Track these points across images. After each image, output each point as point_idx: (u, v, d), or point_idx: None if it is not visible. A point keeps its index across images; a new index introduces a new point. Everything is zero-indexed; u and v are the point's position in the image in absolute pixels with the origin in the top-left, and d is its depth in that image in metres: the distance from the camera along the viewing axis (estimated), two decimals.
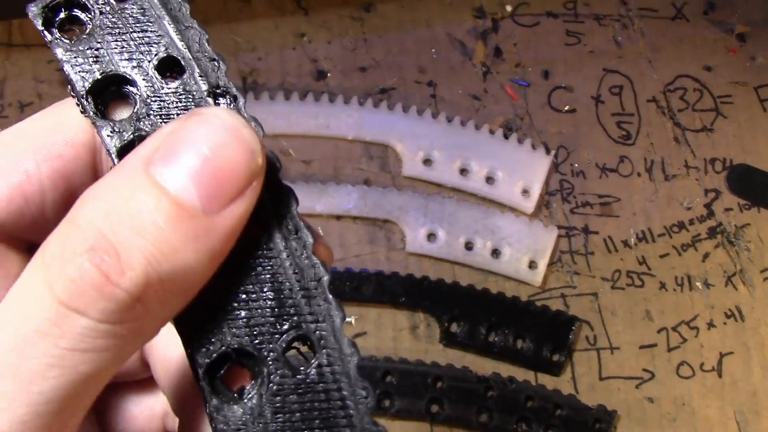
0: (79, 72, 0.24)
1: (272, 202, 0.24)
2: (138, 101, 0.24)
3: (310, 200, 0.61)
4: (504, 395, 0.58)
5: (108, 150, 0.24)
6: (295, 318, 0.23)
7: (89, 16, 0.24)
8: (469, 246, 0.61)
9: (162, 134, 0.22)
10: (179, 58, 0.24)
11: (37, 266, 0.21)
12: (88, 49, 0.24)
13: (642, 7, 0.66)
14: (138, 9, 0.24)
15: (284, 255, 0.23)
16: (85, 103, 0.24)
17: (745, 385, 0.60)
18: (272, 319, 0.23)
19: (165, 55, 0.24)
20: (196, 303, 0.23)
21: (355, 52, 0.65)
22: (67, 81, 0.24)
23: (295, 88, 0.63)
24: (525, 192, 0.62)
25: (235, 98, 0.24)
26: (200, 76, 0.24)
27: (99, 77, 0.24)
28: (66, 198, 0.25)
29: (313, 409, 0.23)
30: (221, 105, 0.24)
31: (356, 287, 0.60)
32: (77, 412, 0.21)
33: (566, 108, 0.64)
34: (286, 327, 0.23)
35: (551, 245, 0.61)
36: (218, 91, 0.24)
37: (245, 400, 0.23)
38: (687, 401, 0.60)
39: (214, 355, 0.23)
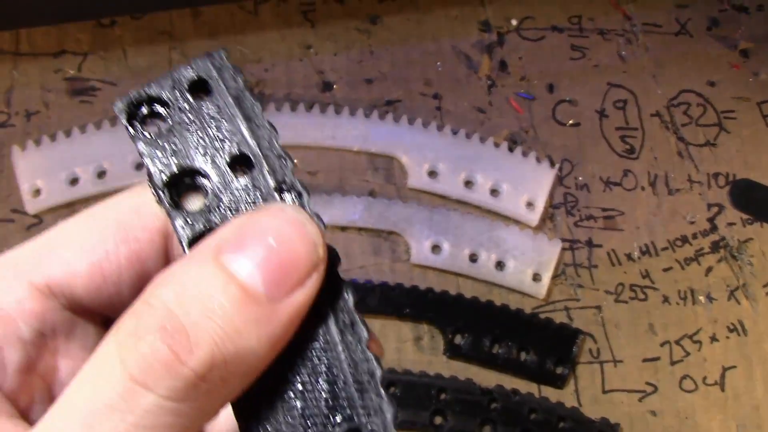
0: (158, 165, 0.26)
1: (331, 295, 0.24)
2: (210, 194, 0.25)
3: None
4: (507, 407, 0.58)
5: (180, 239, 0.25)
6: (348, 411, 0.24)
7: (169, 112, 0.26)
8: (473, 258, 0.61)
9: (232, 226, 0.23)
10: (250, 155, 0.26)
11: (111, 342, 0.22)
12: (167, 143, 0.26)
13: (646, 22, 0.67)
14: (214, 107, 0.26)
15: (340, 347, 0.24)
16: (161, 194, 0.25)
17: (747, 399, 0.60)
18: (326, 410, 0.24)
19: (237, 152, 0.26)
20: (255, 389, 0.23)
21: (362, 64, 0.65)
22: (146, 173, 0.26)
23: (301, 100, 0.64)
24: (529, 205, 0.62)
25: (299, 194, 0.25)
26: (269, 172, 0.25)
27: (176, 171, 0.26)
28: (139, 279, 0.27)
29: None
30: (287, 200, 0.25)
31: (361, 298, 0.60)
32: None
33: (570, 122, 0.65)
34: (338, 419, 0.24)
35: (555, 258, 0.62)
36: (284, 186, 0.25)
37: None
38: (690, 415, 0.60)
39: None
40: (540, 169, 0.63)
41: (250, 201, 0.25)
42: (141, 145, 0.26)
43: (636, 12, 0.67)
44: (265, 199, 0.25)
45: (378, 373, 0.24)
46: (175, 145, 0.26)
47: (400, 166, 0.63)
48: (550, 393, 0.60)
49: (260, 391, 0.23)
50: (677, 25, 0.67)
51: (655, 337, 0.61)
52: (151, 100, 0.27)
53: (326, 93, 0.64)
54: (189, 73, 0.27)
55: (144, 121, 0.26)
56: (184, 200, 0.26)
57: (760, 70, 0.66)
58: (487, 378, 0.60)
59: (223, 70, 0.27)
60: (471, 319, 0.60)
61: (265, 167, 0.25)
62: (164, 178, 0.26)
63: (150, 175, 0.26)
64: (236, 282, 0.22)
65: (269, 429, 0.23)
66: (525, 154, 0.63)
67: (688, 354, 0.61)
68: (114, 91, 0.64)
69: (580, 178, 0.64)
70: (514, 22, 0.66)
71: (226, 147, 0.26)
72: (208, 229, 0.25)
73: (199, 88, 0.27)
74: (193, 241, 0.25)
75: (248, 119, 0.26)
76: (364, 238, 0.62)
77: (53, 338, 0.27)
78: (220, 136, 0.26)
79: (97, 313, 0.28)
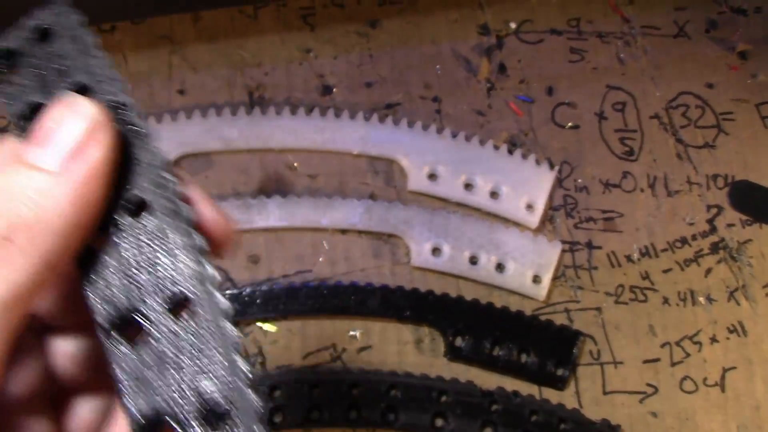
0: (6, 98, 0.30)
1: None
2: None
3: (315, 214, 0.61)
4: (508, 409, 0.59)
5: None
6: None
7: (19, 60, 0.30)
8: (473, 260, 0.62)
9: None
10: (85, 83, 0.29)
11: None
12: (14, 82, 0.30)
13: (644, 25, 0.67)
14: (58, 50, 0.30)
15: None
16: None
17: (748, 399, 0.61)
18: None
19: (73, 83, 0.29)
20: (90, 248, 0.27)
21: (361, 67, 0.65)
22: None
23: (301, 103, 0.64)
24: (529, 207, 0.62)
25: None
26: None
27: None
28: None
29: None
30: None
31: (361, 301, 0.60)
32: None
33: (570, 124, 0.65)
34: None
35: (555, 260, 0.62)
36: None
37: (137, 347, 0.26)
38: (690, 416, 0.60)
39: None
40: (539, 172, 0.63)
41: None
42: None
43: (634, 15, 0.67)
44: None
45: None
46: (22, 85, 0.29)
47: (400, 169, 0.63)
48: (551, 395, 0.60)
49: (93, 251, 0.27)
50: (676, 28, 0.67)
51: (656, 339, 0.62)
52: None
53: (326, 96, 0.65)
54: (32, 23, 0.30)
55: None
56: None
57: (759, 72, 0.66)
58: (487, 380, 0.60)
59: (61, 16, 0.30)
60: (471, 322, 0.60)
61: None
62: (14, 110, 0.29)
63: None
64: (18, 160, 0.26)
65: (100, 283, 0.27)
66: (524, 156, 0.63)
67: (688, 355, 0.61)
68: None
69: (580, 180, 0.64)
70: (513, 26, 0.66)
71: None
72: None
73: (44, 35, 0.30)
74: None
75: (86, 54, 0.29)
76: (364, 240, 0.62)
77: None
78: (58, 67, 0.29)
79: None
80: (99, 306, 0.26)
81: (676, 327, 0.62)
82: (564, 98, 0.65)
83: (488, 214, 0.63)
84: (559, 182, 0.64)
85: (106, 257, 0.27)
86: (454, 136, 0.63)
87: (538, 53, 0.66)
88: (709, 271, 0.63)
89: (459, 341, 0.60)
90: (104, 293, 0.27)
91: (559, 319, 0.61)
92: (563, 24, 0.67)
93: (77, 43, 0.29)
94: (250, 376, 0.25)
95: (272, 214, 0.61)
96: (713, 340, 0.62)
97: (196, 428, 0.25)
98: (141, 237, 0.27)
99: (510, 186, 0.62)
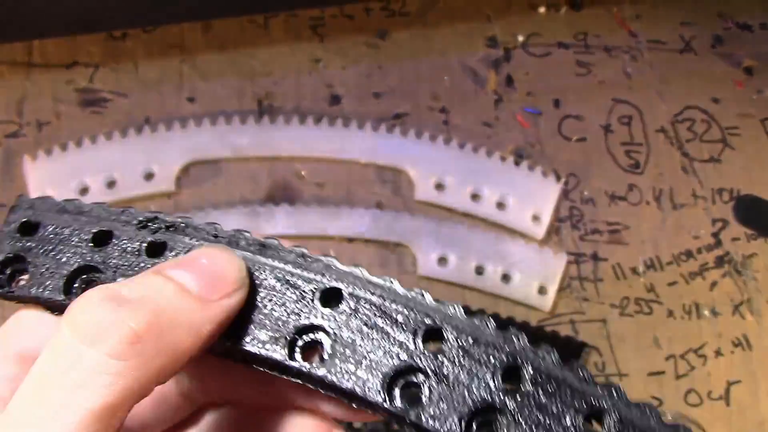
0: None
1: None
2: None
3: (323, 223, 0.62)
4: None
5: None
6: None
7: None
8: (479, 270, 0.62)
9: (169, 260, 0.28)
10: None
11: (63, 318, 0.24)
12: None
13: (651, 39, 0.67)
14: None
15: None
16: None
17: (752, 413, 0.61)
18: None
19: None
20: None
21: (370, 78, 0.66)
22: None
23: (310, 113, 0.64)
24: (535, 218, 0.63)
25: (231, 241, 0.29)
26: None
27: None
28: None
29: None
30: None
31: None
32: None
33: (576, 137, 0.65)
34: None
35: (561, 271, 0.62)
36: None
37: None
38: (695, 430, 0.60)
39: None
40: (546, 183, 0.63)
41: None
42: None
43: (641, 29, 0.68)
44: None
45: None
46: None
47: (408, 179, 0.63)
48: None
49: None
50: (682, 43, 0.68)
51: (660, 351, 0.62)
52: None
53: (335, 106, 0.65)
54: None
55: None
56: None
57: (764, 88, 0.67)
58: None
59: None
60: None
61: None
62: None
63: None
64: (174, 281, 0.25)
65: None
66: (531, 168, 0.64)
67: (693, 368, 0.61)
68: (125, 102, 0.65)
69: (586, 193, 0.64)
70: (520, 38, 0.67)
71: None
72: None
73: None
74: None
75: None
76: (371, 249, 0.62)
77: None
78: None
79: None
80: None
81: (681, 340, 0.62)
82: (571, 111, 0.66)
83: (495, 224, 0.63)
84: (565, 194, 0.64)
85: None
86: (462, 147, 0.64)
87: (545, 66, 0.67)
88: (714, 284, 0.63)
89: None
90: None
91: (565, 331, 0.61)
92: (570, 38, 0.67)
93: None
94: None
95: (280, 222, 0.62)
96: (718, 353, 0.62)
97: None
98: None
99: (516, 197, 0.63)
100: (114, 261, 0.28)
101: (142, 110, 0.64)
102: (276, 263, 0.27)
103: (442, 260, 0.62)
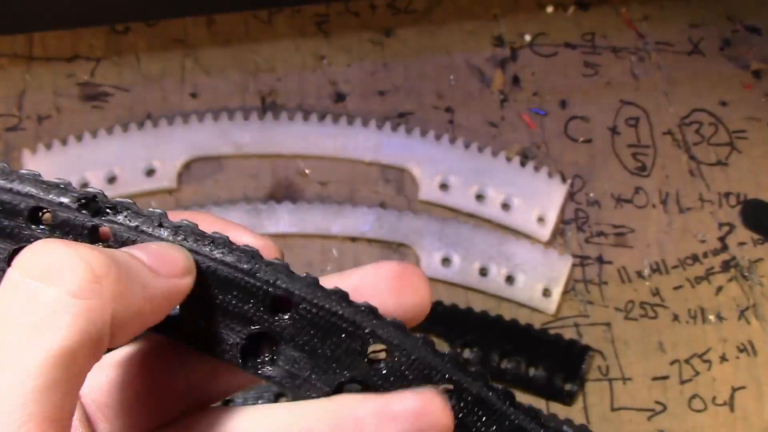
0: None
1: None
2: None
3: (325, 222, 0.61)
4: None
5: None
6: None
7: None
8: (483, 272, 0.61)
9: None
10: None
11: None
12: None
13: (659, 41, 0.67)
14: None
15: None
16: None
17: (757, 420, 0.60)
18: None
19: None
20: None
21: (375, 76, 0.65)
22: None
23: (313, 110, 0.64)
24: (540, 220, 0.62)
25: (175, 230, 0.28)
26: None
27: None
28: None
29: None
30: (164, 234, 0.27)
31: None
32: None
33: (582, 138, 0.65)
34: None
35: (565, 274, 0.61)
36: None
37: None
38: None
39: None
40: (551, 185, 0.63)
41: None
42: None
43: (649, 30, 0.67)
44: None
45: None
46: None
47: (412, 178, 0.63)
48: (559, 409, 0.60)
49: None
50: (690, 45, 0.67)
51: (665, 356, 0.61)
52: None
53: (339, 104, 0.64)
54: None
55: None
56: None
57: None
58: None
59: None
60: (480, 334, 0.60)
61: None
62: None
63: None
64: (125, 251, 0.24)
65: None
66: (537, 169, 0.63)
67: (697, 373, 0.61)
68: (126, 96, 0.64)
69: (592, 195, 0.64)
70: (527, 38, 0.66)
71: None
72: None
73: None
74: None
75: None
76: (374, 249, 0.62)
77: None
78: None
79: None
80: None
81: (685, 344, 0.61)
82: (577, 112, 0.65)
83: (499, 225, 0.62)
84: (570, 196, 0.63)
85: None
86: (467, 146, 0.63)
87: (552, 66, 0.66)
88: (719, 289, 0.62)
89: (467, 353, 0.60)
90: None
91: (569, 334, 0.61)
92: (578, 38, 0.67)
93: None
94: None
95: (282, 220, 0.61)
96: (723, 358, 0.61)
97: None
98: None
99: (521, 198, 0.62)
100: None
101: (144, 105, 0.64)
102: (219, 255, 0.26)
103: (446, 261, 0.61)
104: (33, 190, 0.25)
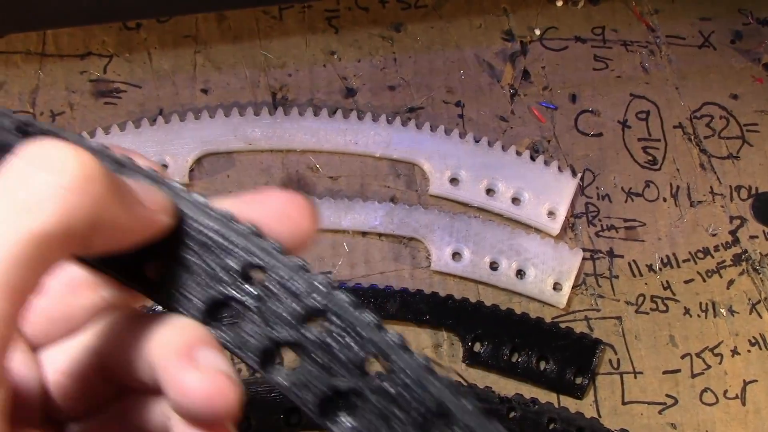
0: None
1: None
2: None
3: (336, 216, 0.61)
4: (526, 416, 0.58)
5: None
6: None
7: None
8: (494, 266, 0.61)
9: None
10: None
11: None
12: None
13: (669, 34, 0.67)
14: None
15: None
16: None
17: None
18: None
19: None
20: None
21: (385, 71, 0.65)
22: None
23: (324, 105, 0.64)
24: (551, 214, 0.62)
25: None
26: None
27: None
28: None
29: None
30: None
31: (380, 304, 0.60)
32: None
33: (593, 132, 0.65)
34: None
35: (576, 268, 0.61)
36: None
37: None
38: (710, 428, 0.60)
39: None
40: (562, 179, 0.63)
41: None
42: None
43: (659, 24, 0.67)
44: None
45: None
46: None
47: (422, 173, 0.63)
48: (570, 403, 0.60)
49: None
50: (701, 38, 0.67)
51: (676, 349, 0.61)
52: None
53: (349, 99, 0.65)
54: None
55: None
56: None
57: None
58: (506, 386, 0.60)
59: None
60: (491, 327, 0.60)
61: None
62: None
63: None
64: None
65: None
66: (547, 163, 0.63)
67: (708, 367, 0.61)
68: (138, 93, 0.64)
69: (602, 188, 0.64)
70: (537, 32, 0.66)
71: None
72: None
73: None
74: None
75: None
76: (384, 243, 0.62)
77: None
78: None
79: None
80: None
81: (697, 338, 0.61)
82: (587, 106, 0.65)
83: (509, 219, 0.62)
84: (581, 190, 0.63)
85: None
86: (477, 141, 0.63)
87: (562, 60, 0.66)
88: (731, 282, 0.62)
89: (478, 347, 0.60)
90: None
91: (579, 327, 0.61)
92: (588, 32, 0.67)
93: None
94: None
95: None
96: (734, 352, 0.61)
97: None
98: None
99: (532, 192, 0.62)
100: None
101: (156, 101, 0.64)
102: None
103: (456, 255, 0.61)
104: None
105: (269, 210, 0.28)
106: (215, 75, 0.65)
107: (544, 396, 0.59)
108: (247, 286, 0.26)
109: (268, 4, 0.66)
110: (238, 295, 0.26)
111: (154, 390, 0.28)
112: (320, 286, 0.26)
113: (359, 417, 0.26)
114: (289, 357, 0.26)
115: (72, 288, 0.29)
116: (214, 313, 0.27)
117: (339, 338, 0.26)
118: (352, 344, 0.26)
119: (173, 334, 0.27)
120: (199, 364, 0.26)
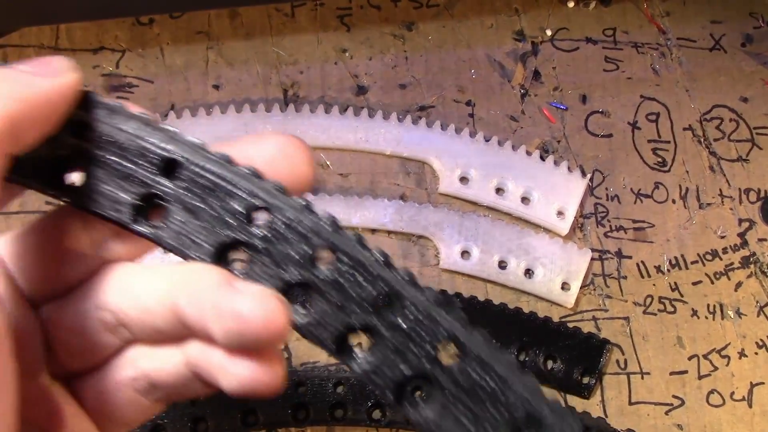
0: None
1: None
2: None
3: (346, 213, 0.61)
4: None
5: None
6: None
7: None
8: (502, 265, 0.61)
9: None
10: None
11: None
12: None
13: (680, 37, 0.67)
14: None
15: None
16: None
17: None
18: None
19: None
20: None
21: (396, 69, 0.65)
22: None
23: (335, 102, 0.64)
24: (560, 214, 0.62)
25: None
26: None
27: None
28: None
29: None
30: None
31: None
32: None
33: (603, 133, 0.65)
34: None
35: (584, 268, 0.61)
36: None
37: None
38: (716, 430, 0.60)
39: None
40: (571, 179, 0.63)
41: None
42: None
43: (670, 26, 0.67)
44: None
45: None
46: None
47: (432, 171, 0.63)
48: (576, 403, 0.60)
49: None
50: (711, 41, 0.67)
51: (683, 351, 0.61)
52: None
53: (360, 96, 0.65)
54: None
55: None
56: None
57: None
58: None
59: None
60: (498, 326, 0.60)
61: None
62: None
63: None
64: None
65: None
66: (557, 163, 0.63)
67: (716, 368, 0.61)
68: (150, 88, 0.64)
69: (611, 189, 0.64)
70: (548, 33, 0.67)
71: None
72: None
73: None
74: None
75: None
76: (393, 241, 0.62)
77: None
78: None
79: None
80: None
81: (704, 340, 0.61)
82: (598, 107, 0.65)
83: (518, 219, 0.63)
84: (590, 190, 0.64)
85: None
86: (487, 140, 0.63)
87: (573, 61, 0.66)
88: (739, 284, 0.62)
89: None
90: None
91: (587, 327, 0.61)
92: (599, 33, 0.67)
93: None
94: None
95: None
96: (742, 354, 0.61)
97: None
98: None
99: (541, 192, 0.62)
100: None
101: (168, 96, 0.64)
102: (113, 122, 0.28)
103: (465, 253, 0.61)
104: None
105: (266, 152, 0.28)
106: (227, 71, 0.65)
107: (551, 395, 0.59)
108: (253, 228, 0.26)
109: (281, 1, 0.66)
110: (245, 238, 0.27)
111: (163, 339, 0.28)
112: (326, 226, 0.26)
113: (374, 352, 0.27)
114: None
115: (65, 240, 0.30)
116: (224, 256, 0.27)
117: (349, 276, 0.26)
118: (363, 282, 0.26)
119: (202, 274, 0.27)
120: (244, 291, 0.26)
